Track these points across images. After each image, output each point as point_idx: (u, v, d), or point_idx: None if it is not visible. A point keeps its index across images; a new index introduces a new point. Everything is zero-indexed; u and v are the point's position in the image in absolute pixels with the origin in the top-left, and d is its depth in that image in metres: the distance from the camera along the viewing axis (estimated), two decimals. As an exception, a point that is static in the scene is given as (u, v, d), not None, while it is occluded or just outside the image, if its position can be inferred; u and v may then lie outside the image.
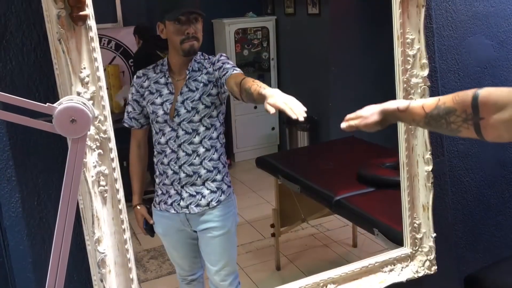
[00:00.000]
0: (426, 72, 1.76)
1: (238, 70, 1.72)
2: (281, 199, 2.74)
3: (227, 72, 1.71)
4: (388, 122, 1.33)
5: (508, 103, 1.02)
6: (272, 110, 1.31)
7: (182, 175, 1.81)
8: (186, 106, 1.77)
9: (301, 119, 1.27)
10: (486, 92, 1.07)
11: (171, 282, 2.43)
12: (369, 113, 1.33)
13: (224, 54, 1.82)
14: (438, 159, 1.90)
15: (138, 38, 3.68)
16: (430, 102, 1.19)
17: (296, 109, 1.29)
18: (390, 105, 1.30)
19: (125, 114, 1.88)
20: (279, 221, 2.71)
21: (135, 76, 1.86)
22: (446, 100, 1.15)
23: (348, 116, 1.38)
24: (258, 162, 2.94)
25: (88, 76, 1.32)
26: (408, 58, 1.74)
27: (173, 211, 1.86)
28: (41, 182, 1.42)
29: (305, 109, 1.30)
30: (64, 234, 0.99)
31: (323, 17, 3.79)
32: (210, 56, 1.83)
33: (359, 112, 1.36)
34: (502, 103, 1.03)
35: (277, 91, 1.39)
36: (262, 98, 1.42)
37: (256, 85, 1.51)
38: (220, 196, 1.86)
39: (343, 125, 1.37)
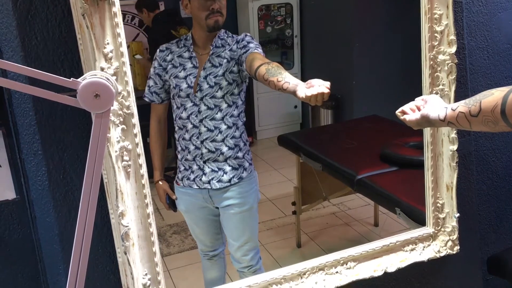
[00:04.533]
0: (453, 49, 1.71)
1: (259, 51, 1.75)
2: (303, 177, 2.73)
3: (248, 49, 1.74)
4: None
5: None
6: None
7: (204, 150, 1.83)
8: (209, 81, 1.78)
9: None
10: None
11: (193, 256, 2.47)
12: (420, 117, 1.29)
13: (248, 34, 1.83)
14: (464, 138, 1.86)
15: (147, 12, 3.54)
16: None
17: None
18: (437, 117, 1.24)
19: (146, 88, 1.88)
20: (301, 199, 2.72)
21: (158, 50, 1.86)
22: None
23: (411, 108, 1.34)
24: (280, 140, 2.93)
25: (111, 51, 1.33)
26: (436, 35, 1.70)
27: (195, 187, 1.88)
28: (67, 156, 1.44)
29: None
30: (89, 207, 1.01)
31: (348, -8, 3.72)
32: (234, 35, 1.84)
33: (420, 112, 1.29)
34: None
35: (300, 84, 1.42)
36: (286, 92, 1.48)
37: (275, 80, 1.52)
38: (242, 173, 1.87)
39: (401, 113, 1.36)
